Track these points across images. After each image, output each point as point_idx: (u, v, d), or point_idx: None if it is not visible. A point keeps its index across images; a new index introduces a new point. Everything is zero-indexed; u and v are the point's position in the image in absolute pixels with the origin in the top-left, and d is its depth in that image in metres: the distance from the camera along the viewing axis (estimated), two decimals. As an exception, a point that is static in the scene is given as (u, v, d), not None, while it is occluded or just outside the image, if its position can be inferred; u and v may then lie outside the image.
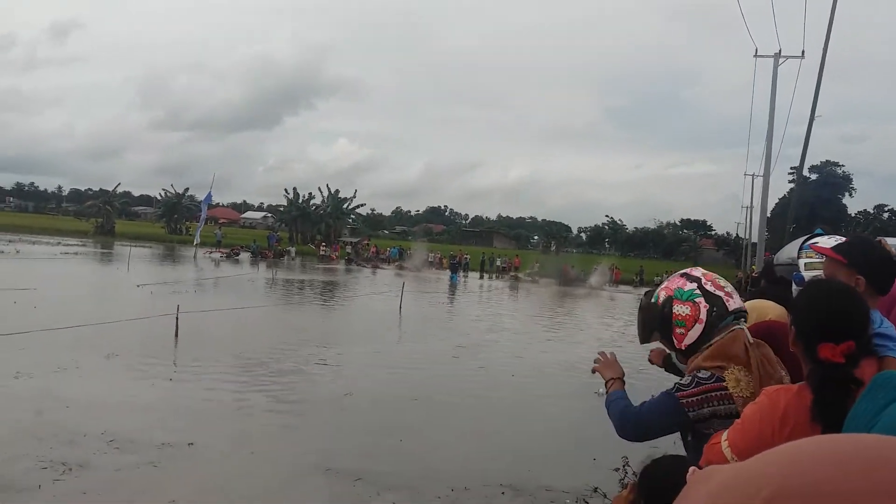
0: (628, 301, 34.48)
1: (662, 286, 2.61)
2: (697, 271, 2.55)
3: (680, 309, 2.49)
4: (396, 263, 50.83)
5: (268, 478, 6.15)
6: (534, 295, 33.25)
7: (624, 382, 2.77)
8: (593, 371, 2.93)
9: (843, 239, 2.77)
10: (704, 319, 2.45)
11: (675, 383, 2.49)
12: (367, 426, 8.05)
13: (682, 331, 2.49)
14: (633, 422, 2.55)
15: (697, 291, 2.47)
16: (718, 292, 2.45)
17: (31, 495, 5.33)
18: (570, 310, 27.08)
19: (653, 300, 2.62)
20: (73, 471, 5.86)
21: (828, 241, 2.77)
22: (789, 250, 3.10)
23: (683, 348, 2.52)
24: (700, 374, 2.42)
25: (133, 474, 5.90)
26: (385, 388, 10.09)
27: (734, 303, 2.48)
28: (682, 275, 2.55)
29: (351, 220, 75.11)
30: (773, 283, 3.28)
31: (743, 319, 2.50)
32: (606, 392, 2.77)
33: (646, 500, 1.86)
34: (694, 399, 2.40)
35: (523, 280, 44.84)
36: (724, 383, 2.37)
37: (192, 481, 5.94)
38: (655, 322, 2.59)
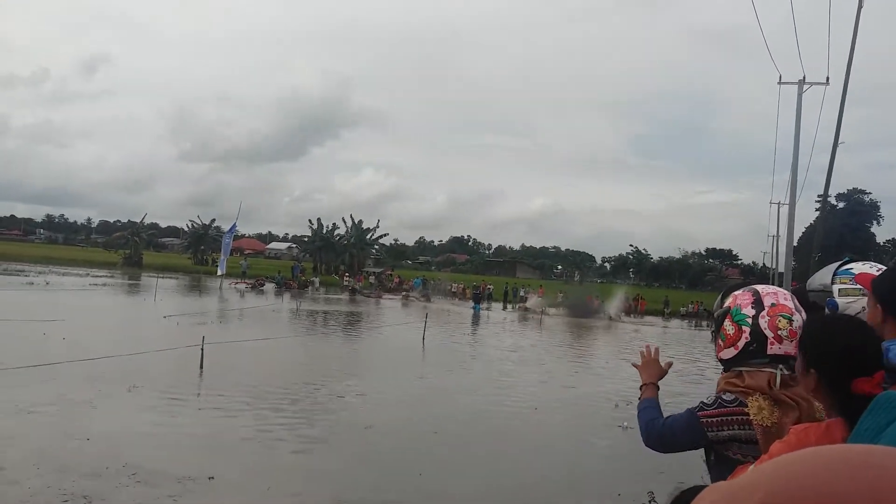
0: (651, 333, 34.11)
1: (737, 292, 2.57)
2: (770, 299, 2.46)
3: (728, 325, 2.50)
4: (404, 294, 49.36)
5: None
6: (553, 327, 32.88)
7: (658, 387, 2.82)
8: (634, 365, 2.99)
9: (875, 265, 2.74)
10: (740, 348, 2.44)
11: (700, 402, 2.52)
12: (387, 459, 8.01)
13: (722, 344, 2.52)
14: (657, 435, 2.61)
15: (749, 321, 2.44)
16: (768, 332, 2.40)
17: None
18: (591, 343, 26.84)
19: (722, 299, 2.66)
20: (92, 504, 5.88)
21: (861, 268, 2.74)
22: (821, 276, 3.06)
23: (718, 359, 2.57)
24: (724, 397, 2.44)
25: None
26: (406, 420, 10.05)
27: (778, 348, 2.41)
28: (754, 294, 2.49)
29: (374, 250, 75.50)
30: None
31: (782, 367, 2.41)
32: (639, 398, 2.82)
33: None
34: (714, 420, 2.43)
35: (534, 312, 42.07)
36: (745, 408, 2.36)
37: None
38: (714, 320, 2.64)
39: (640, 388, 2.85)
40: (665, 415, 2.69)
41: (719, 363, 2.60)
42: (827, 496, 0.55)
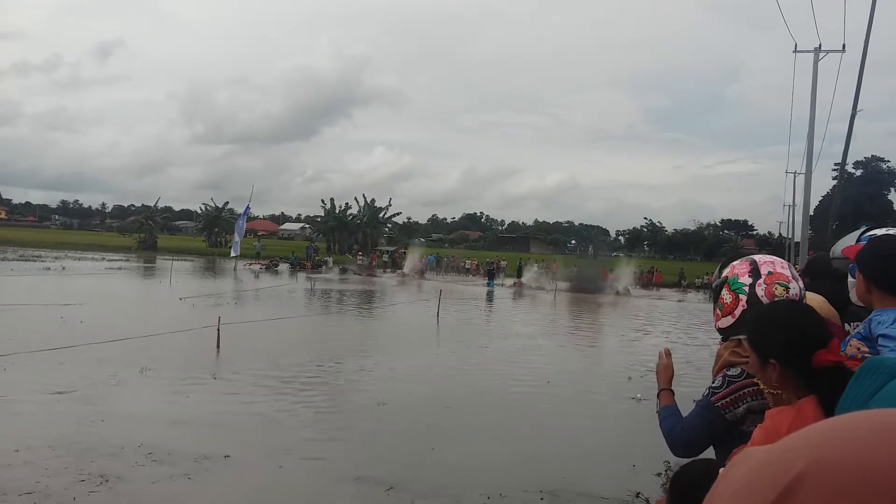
0: (661, 308, 33.96)
1: (736, 262, 2.57)
2: (767, 268, 2.45)
3: (725, 294, 2.50)
4: (399, 271, 47.48)
5: (300, 489, 6.16)
6: (552, 304, 32.59)
7: (673, 392, 2.81)
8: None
9: None
10: (737, 316, 2.43)
11: (708, 387, 2.51)
12: (400, 435, 8.03)
13: (719, 313, 2.53)
14: (681, 442, 2.59)
15: (746, 289, 2.43)
16: (765, 300, 2.38)
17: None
18: (598, 319, 26.77)
19: (720, 270, 2.66)
20: (109, 483, 5.95)
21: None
22: (843, 243, 3.03)
23: (716, 328, 2.58)
24: (730, 373, 2.45)
25: (166, 487, 5.96)
26: (419, 397, 10.07)
27: None
28: (752, 263, 2.49)
29: (387, 228, 75.59)
30: (818, 279, 3.25)
31: None
32: (658, 406, 2.80)
33: None
34: (728, 400, 2.42)
35: (530, 287, 40.12)
36: (754, 379, 2.32)
37: (223, 493, 5.99)
38: (713, 290, 2.65)
39: (657, 396, 2.83)
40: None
41: (718, 332, 2.60)
42: (873, 463, 0.53)
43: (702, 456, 2.33)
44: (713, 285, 2.67)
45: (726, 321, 2.49)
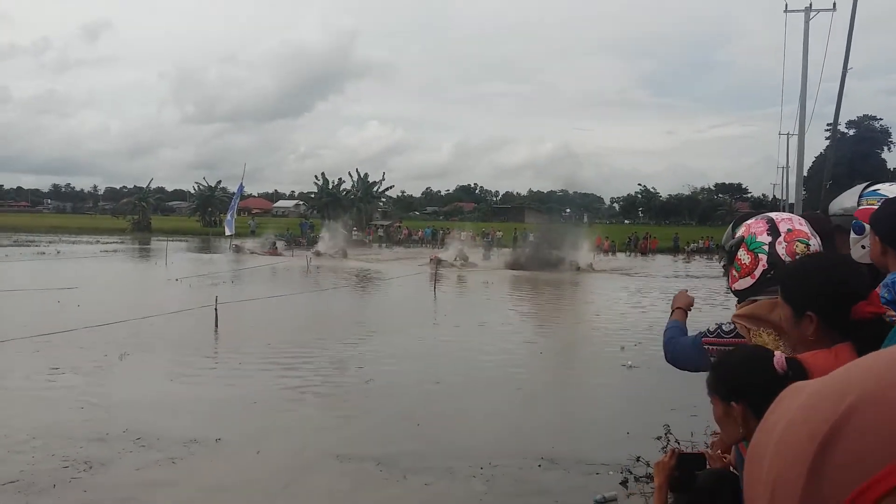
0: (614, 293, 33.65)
1: (749, 221, 2.53)
2: (786, 225, 2.42)
3: (742, 255, 2.46)
4: (315, 250, 39.14)
5: (288, 469, 6.10)
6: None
7: (685, 312, 2.97)
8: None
9: None
10: (757, 276, 2.40)
11: (707, 328, 2.57)
12: (387, 412, 7.95)
13: (736, 275, 2.49)
14: (671, 352, 2.79)
15: (766, 248, 2.39)
16: (787, 258, 2.35)
17: (42, 495, 5.39)
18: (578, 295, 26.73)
19: (733, 229, 2.61)
20: (92, 469, 5.91)
21: (889, 188, 2.65)
22: (842, 200, 2.97)
23: (732, 290, 2.56)
24: (724, 327, 2.50)
25: (149, 473, 5.89)
26: (408, 373, 9.95)
27: None
28: (769, 221, 2.45)
29: (382, 203, 75.30)
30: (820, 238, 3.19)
31: None
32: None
33: (728, 390, 1.89)
34: (714, 347, 2.48)
35: (453, 266, 31.35)
36: (742, 339, 2.36)
37: (206, 477, 5.94)
38: (725, 252, 2.63)
39: (671, 313, 3.01)
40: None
41: (733, 294, 2.57)
42: None
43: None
44: (727, 246, 2.61)
45: (745, 282, 2.44)
